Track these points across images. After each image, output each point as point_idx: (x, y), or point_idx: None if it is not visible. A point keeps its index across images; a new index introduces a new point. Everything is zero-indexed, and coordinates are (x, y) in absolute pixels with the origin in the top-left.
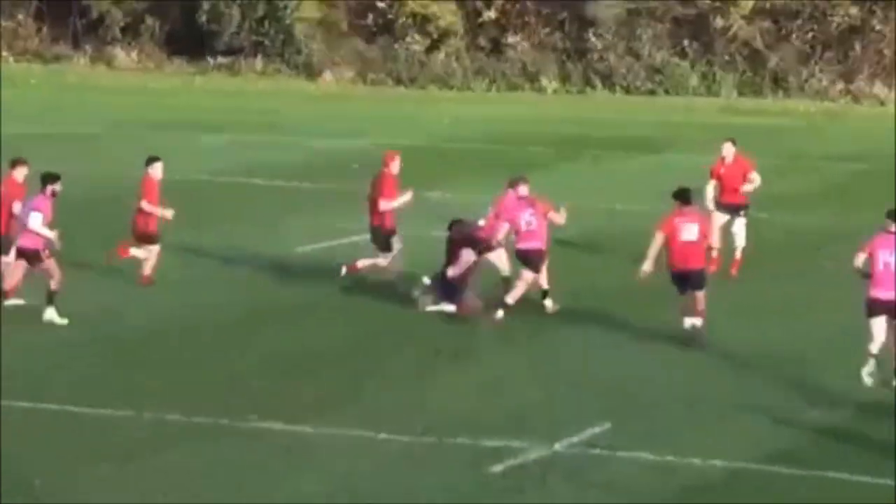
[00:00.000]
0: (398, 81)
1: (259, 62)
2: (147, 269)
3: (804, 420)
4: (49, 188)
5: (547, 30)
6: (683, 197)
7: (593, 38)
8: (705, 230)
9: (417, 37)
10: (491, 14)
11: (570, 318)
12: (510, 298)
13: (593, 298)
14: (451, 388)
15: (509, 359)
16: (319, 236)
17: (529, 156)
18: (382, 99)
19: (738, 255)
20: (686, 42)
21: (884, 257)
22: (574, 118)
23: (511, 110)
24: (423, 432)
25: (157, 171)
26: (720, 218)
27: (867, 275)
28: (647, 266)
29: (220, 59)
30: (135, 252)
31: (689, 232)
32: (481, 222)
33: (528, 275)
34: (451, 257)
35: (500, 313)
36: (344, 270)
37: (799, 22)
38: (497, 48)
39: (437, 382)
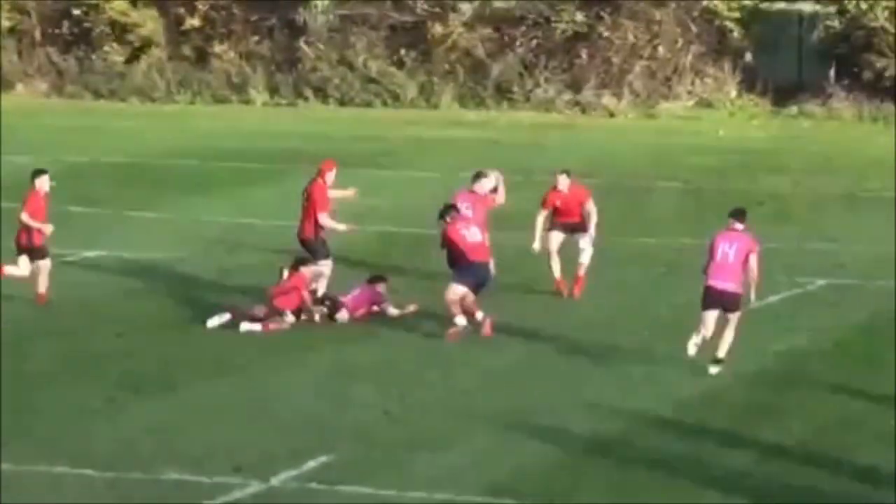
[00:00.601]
0: (96, 94)
1: None
2: (41, 288)
3: (538, 449)
4: None
5: (255, 38)
6: (449, 211)
7: (304, 47)
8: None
9: (116, 46)
10: (195, 22)
11: (284, 348)
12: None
13: (311, 327)
14: (160, 420)
15: (220, 390)
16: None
17: (239, 172)
18: (79, 112)
19: (580, 272)
20: (403, 51)
21: (723, 248)
22: (285, 132)
23: (218, 125)
24: (129, 468)
25: (43, 183)
26: (557, 237)
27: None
28: None
29: None
30: (11, 271)
31: (473, 234)
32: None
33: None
34: None
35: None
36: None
37: (522, 29)
38: (202, 58)
39: (144, 414)
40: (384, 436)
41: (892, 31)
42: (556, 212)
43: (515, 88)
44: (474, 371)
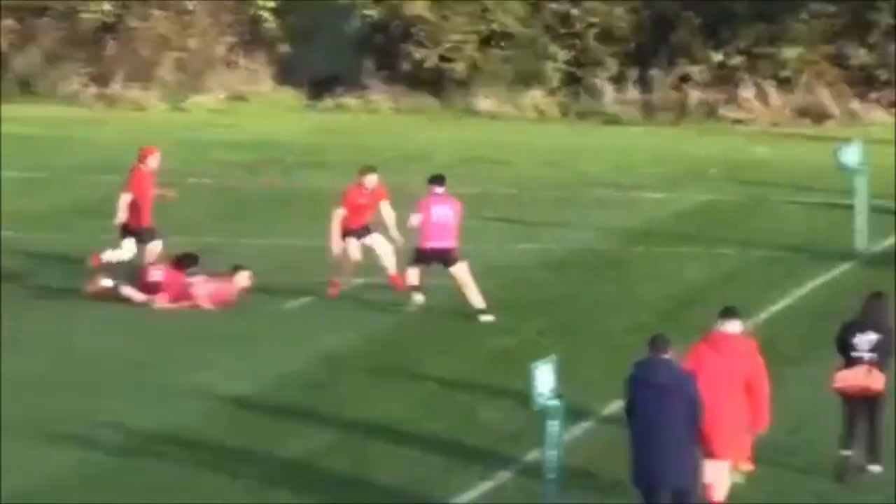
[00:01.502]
0: None
1: None
2: None
3: (60, 459)
4: None
5: None
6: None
7: None
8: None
9: None
10: None
11: None
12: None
13: None
14: None
15: None
16: None
17: None
18: None
19: (392, 270)
20: None
21: (437, 211)
22: None
23: None
24: None
25: None
26: (356, 244)
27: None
28: None
29: None
30: None
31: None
32: None
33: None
34: None
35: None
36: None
37: (46, 20)
38: None
39: None
40: None
41: (433, 20)
42: (353, 212)
43: (39, 82)
44: None
